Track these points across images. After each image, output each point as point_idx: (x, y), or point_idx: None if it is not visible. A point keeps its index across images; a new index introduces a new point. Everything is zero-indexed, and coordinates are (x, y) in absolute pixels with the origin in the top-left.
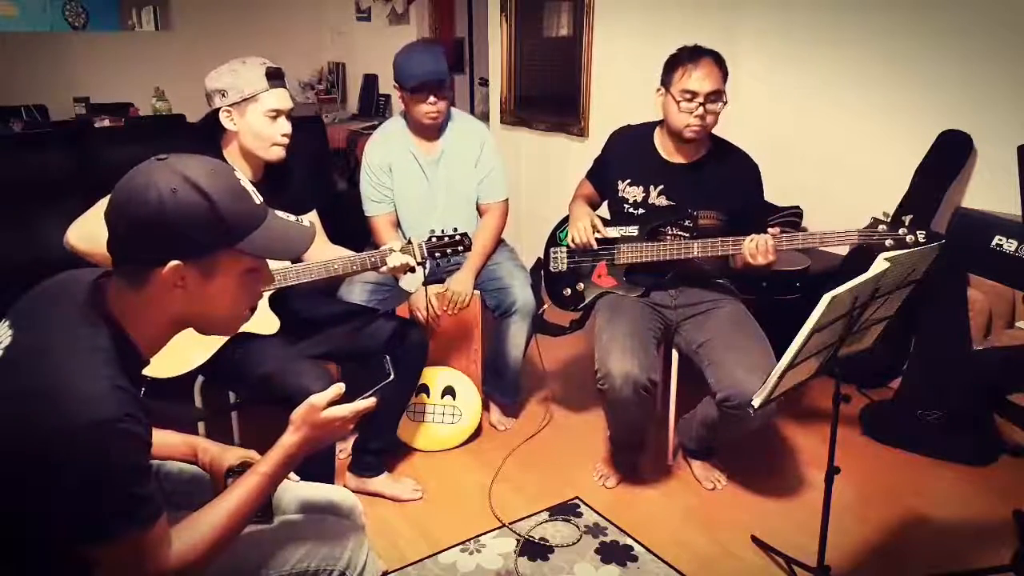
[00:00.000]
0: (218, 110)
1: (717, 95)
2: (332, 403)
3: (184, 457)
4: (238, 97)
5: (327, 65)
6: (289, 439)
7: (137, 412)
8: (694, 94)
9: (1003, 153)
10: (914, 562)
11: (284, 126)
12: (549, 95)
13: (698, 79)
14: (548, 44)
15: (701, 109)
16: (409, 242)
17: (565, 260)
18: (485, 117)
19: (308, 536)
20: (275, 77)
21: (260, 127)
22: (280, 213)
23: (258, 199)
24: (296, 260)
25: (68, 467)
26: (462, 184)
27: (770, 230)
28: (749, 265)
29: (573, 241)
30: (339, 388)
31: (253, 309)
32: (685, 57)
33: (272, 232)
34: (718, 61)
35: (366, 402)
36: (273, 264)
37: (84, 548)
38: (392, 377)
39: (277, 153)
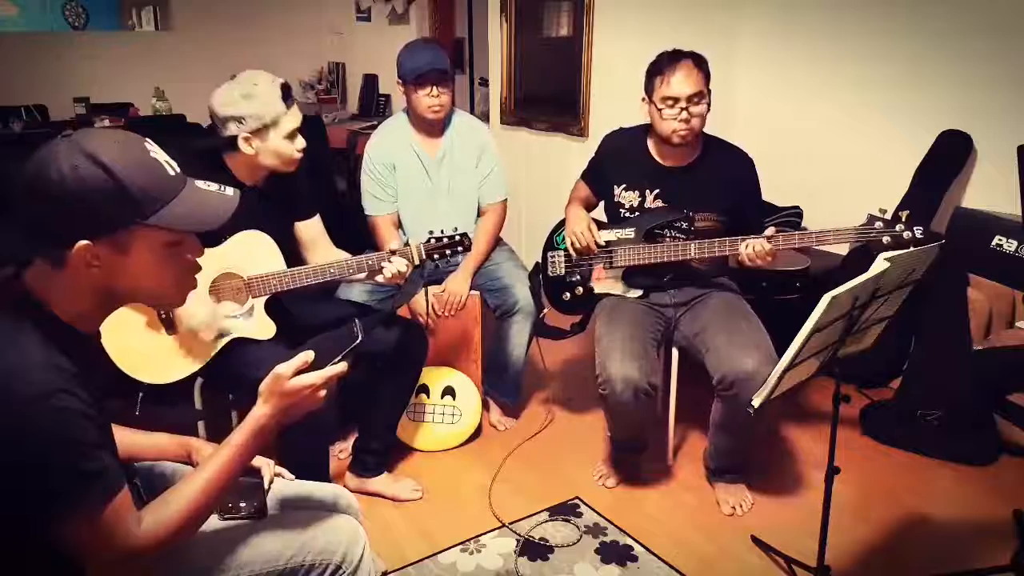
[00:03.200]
0: (235, 137)
1: (699, 96)
2: (300, 372)
3: (177, 458)
4: (258, 124)
5: (327, 65)
6: (259, 410)
7: (74, 388)
8: (675, 99)
9: (1003, 153)
10: (914, 562)
11: (301, 142)
12: (549, 95)
13: (677, 83)
14: (548, 44)
15: (685, 113)
16: (407, 244)
17: (563, 264)
18: (485, 117)
19: (303, 531)
20: (289, 95)
21: (282, 148)
22: (200, 183)
23: (173, 170)
24: (298, 263)
25: (7, 448)
26: (464, 184)
27: (767, 231)
28: (746, 266)
29: (572, 247)
30: (307, 356)
31: (192, 283)
32: (663, 63)
33: (188, 203)
34: (698, 62)
35: (336, 368)
36: (266, 271)
37: (44, 528)
38: (360, 339)
39: (293, 167)
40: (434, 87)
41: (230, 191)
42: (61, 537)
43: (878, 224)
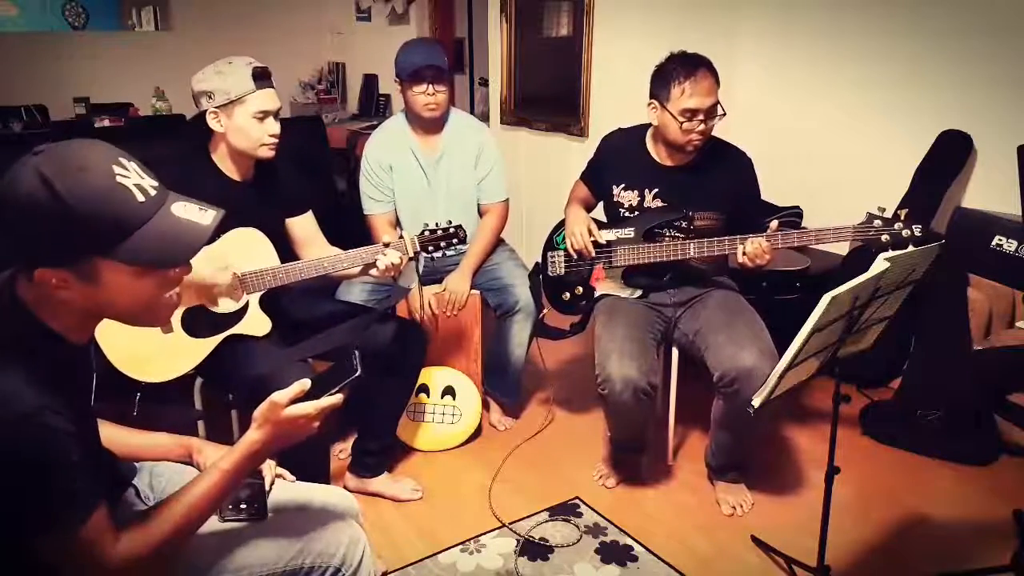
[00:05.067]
0: (205, 112)
1: (715, 107)
2: (296, 400)
3: (179, 458)
4: (224, 99)
5: (327, 65)
6: (252, 436)
7: (57, 405)
8: (695, 112)
9: (1003, 153)
10: (914, 562)
11: (272, 127)
12: (549, 95)
13: (699, 97)
14: (548, 44)
15: (702, 126)
16: (401, 237)
17: (563, 264)
18: (485, 117)
19: (303, 533)
20: (262, 78)
21: (248, 128)
22: (178, 206)
23: (143, 196)
24: (295, 257)
25: None
26: (462, 184)
27: (771, 225)
28: (746, 266)
29: (572, 247)
30: (303, 384)
31: (175, 303)
32: (679, 71)
33: (156, 234)
34: (711, 70)
35: (331, 399)
36: (261, 265)
37: (21, 546)
38: (359, 373)
39: (266, 153)
40: (430, 85)
41: (210, 215)
42: (38, 555)
43: (877, 222)
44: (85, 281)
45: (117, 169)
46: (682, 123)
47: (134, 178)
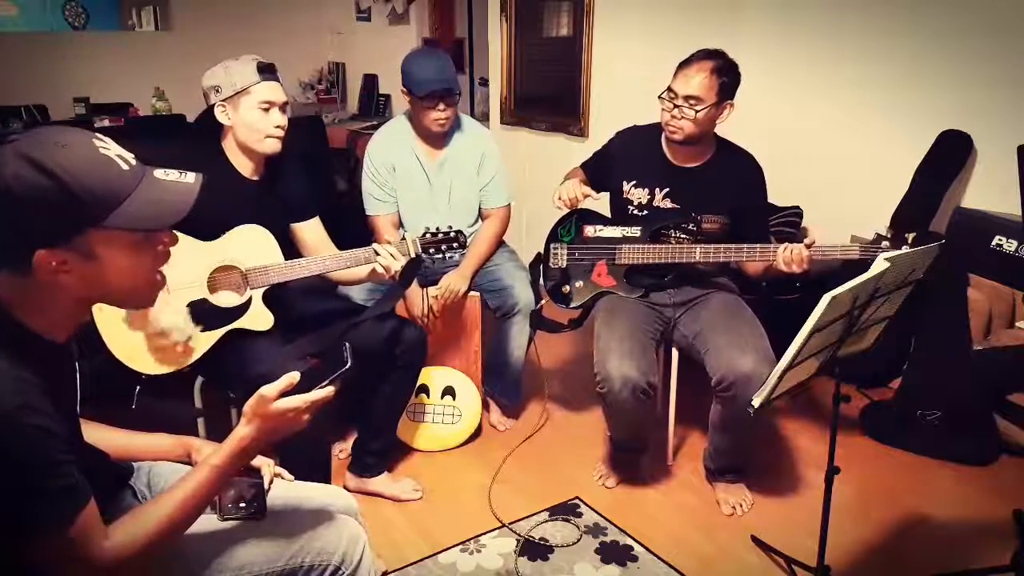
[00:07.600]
0: (214, 106)
1: (697, 101)
2: (286, 393)
3: (178, 458)
4: (231, 91)
5: (327, 65)
6: (242, 431)
7: (40, 402)
8: (675, 94)
9: (1003, 153)
10: (914, 562)
11: (278, 118)
12: (549, 95)
13: (681, 80)
14: (548, 44)
15: (676, 111)
16: (403, 239)
17: (565, 257)
18: (485, 117)
19: (302, 532)
20: (266, 71)
21: (253, 119)
22: (159, 172)
23: (127, 164)
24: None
25: None
26: (464, 189)
27: (806, 240)
28: (771, 272)
29: (559, 198)
30: (292, 378)
31: (162, 281)
32: (689, 57)
33: (146, 199)
34: (717, 69)
35: (322, 392)
36: (264, 263)
37: (8, 546)
38: (350, 365)
39: (272, 146)
40: (441, 102)
41: (191, 177)
42: (26, 555)
43: (884, 243)
44: (84, 258)
45: (96, 142)
46: (664, 99)
47: (115, 149)
